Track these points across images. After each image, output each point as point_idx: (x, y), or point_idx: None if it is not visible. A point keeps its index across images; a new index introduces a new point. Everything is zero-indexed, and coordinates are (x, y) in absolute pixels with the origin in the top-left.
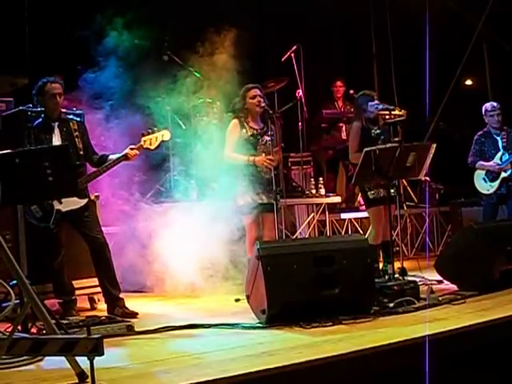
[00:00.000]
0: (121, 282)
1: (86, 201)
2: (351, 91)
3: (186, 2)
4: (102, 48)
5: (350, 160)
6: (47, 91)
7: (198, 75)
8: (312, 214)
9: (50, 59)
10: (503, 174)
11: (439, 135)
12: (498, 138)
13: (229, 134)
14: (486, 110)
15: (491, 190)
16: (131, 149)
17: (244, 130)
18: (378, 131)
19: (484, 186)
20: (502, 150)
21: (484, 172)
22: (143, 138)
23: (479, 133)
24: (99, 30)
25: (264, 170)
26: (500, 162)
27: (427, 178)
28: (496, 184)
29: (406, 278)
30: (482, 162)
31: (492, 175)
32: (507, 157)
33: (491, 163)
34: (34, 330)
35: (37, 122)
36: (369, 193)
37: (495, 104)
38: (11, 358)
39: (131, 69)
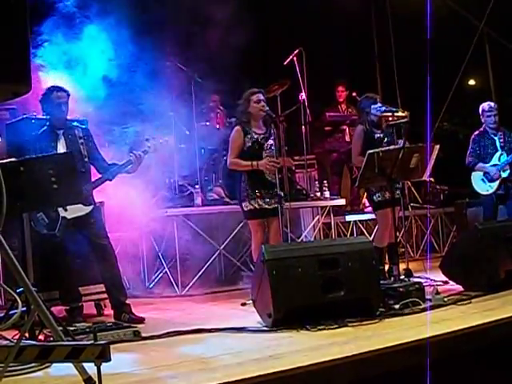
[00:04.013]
0: (128, 287)
1: (91, 207)
2: (354, 93)
3: (186, 3)
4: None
5: (354, 163)
6: (53, 99)
7: (200, 80)
8: (317, 217)
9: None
10: (502, 175)
11: (443, 136)
12: (496, 138)
13: (232, 140)
14: (483, 111)
15: (490, 191)
16: (135, 154)
17: (248, 137)
18: (381, 134)
19: (483, 186)
20: (500, 150)
21: (482, 172)
22: (147, 143)
23: (476, 132)
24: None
25: (269, 174)
26: (499, 163)
27: (432, 179)
28: (495, 184)
29: (411, 279)
30: (482, 164)
31: (491, 175)
32: (506, 158)
33: (491, 167)
34: (41, 337)
35: (42, 129)
36: (374, 196)
37: (492, 104)
38: (19, 365)
39: (137, 77)
